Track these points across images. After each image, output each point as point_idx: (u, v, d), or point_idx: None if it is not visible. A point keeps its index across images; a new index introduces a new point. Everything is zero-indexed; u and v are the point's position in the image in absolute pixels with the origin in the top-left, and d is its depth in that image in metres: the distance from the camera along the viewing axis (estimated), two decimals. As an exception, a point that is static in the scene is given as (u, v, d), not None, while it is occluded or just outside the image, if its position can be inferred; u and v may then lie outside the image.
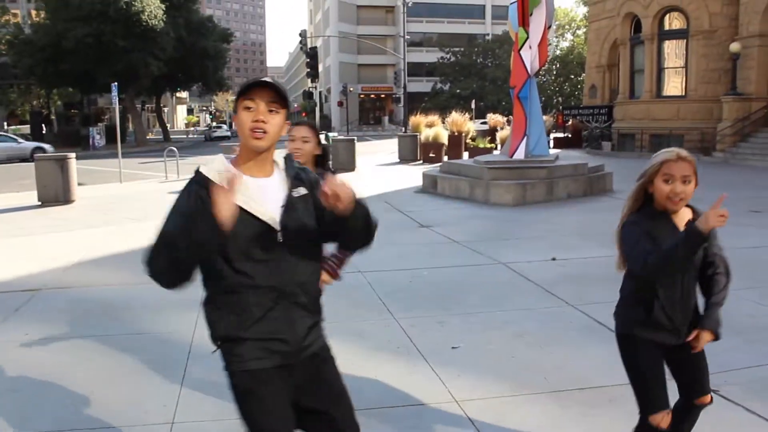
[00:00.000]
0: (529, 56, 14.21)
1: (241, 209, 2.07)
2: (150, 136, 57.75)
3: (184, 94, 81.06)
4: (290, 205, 2.18)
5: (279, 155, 2.31)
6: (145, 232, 9.89)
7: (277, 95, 2.15)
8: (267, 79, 2.16)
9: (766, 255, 8.15)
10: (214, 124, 72.59)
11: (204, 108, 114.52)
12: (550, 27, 16.05)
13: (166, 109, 63.19)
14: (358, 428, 2.34)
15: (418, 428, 3.71)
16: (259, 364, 2.13)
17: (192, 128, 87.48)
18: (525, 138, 14.26)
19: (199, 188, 2.11)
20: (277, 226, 2.14)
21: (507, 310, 5.90)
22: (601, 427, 3.72)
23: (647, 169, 2.77)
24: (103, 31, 37.69)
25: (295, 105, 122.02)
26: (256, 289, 2.11)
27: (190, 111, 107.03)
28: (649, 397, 2.83)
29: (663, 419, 2.79)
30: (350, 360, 4.29)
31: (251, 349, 2.13)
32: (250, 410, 2.16)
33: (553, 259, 7.77)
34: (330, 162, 3.37)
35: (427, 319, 5.57)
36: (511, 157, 14.22)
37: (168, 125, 63.09)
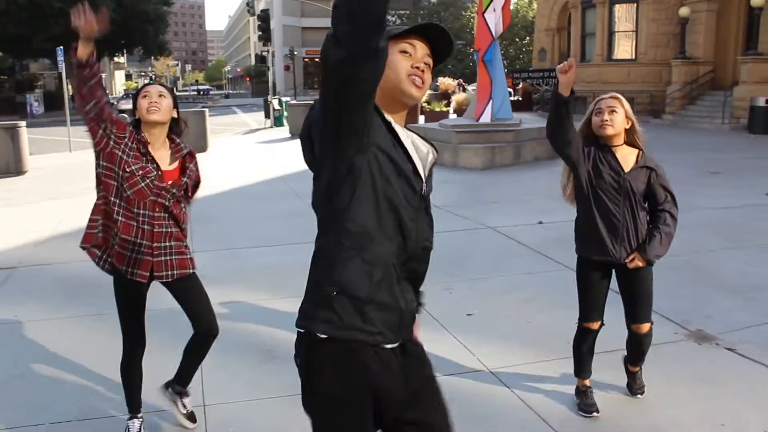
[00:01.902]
0: (494, 19, 14.09)
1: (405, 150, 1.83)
2: (89, 103, 55.60)
3: (122, 59, 78.27)
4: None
5: None
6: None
7: (433, 51, 1.88)
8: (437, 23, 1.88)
9: (737, 215, 8.37)
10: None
11: (142, 73, 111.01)
12: (512, -11, 15.96)
13: (104, 75, 60.81)
14: None
15: (455, 400, 3.66)
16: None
17: (131, 94, 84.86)
18: (490, 101, 14.24)
19: None
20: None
21: (509, 275, 5.90)
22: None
23: (588, 111, 3.43)
24: (38, -9, 35.92)
25: (238, 69, 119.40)
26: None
27: (128, 76, 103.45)
28: (583, 308, 3.48)
29: (590, 326, 3.46)
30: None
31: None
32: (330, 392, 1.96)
33: (540, 222, 7.81)
34: (183, 127, 3.18)
35: (434, 286, 5.51)
36: (477, 120, 14.18)
37: (107, 91, 60.82)
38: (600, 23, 27.04)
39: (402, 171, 1.78)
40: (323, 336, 1.77)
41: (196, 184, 3.27)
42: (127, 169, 2.95)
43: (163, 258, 3.06)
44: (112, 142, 2.92)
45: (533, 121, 19.82)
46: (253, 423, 3.49)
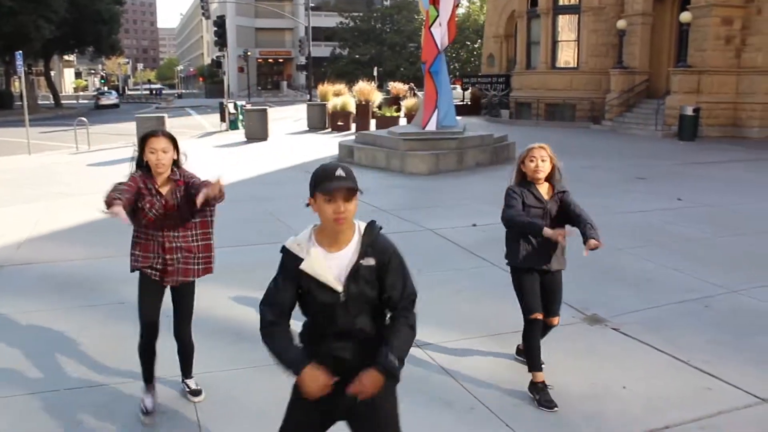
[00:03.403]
0: (440, 33, 15.09)
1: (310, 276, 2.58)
2: (38, 102, 54.97)
3: (71, 57, 77.30)
4: (354, 273, 2.59)
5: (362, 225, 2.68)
6: (83, 208, 10.31)
7: (351, 192, 2.52)
8: (341, 174, 2.51)
9: (652, 218, 9.50)
10: (106, 89, 67.73)
11: (92, 71, 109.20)
12: (458, 5, 17.02)
13: (53, 73, 60.10)
14: None
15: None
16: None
17: (81, 93, 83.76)
18: (436, 110, 15.23)
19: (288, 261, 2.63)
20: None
21: (443, 270, 6.85)
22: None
23: (521, 154, 4.33)
24: (-13, -10, 35.58)
25: (191, 69, 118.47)
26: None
27: (78, 74, 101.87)
28: (528, 303, 4.26)
29: (536, 316, 4.24)
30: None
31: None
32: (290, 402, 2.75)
33: (474, 225, 8.79)
34: (182, 160, 3.97)
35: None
36: (424, 128, 15.17)
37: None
38: (544, 32, 28.39)
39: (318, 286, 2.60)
40: None
41: (194, 188, 3.86)
42: (139, 205, 3.82)
43: (173, 266, 3.92)
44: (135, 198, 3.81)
45: (479, 127, 20.94)
46: (230, 388, 4.34)
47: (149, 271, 3.93)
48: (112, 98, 55.40)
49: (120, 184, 3.77)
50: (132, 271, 4.00)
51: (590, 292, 6.20)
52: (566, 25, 28.38)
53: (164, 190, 3.87)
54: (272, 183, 13.12)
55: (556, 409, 4.07)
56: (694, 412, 4.01)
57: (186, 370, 4.24)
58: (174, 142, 3.90)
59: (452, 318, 5.49)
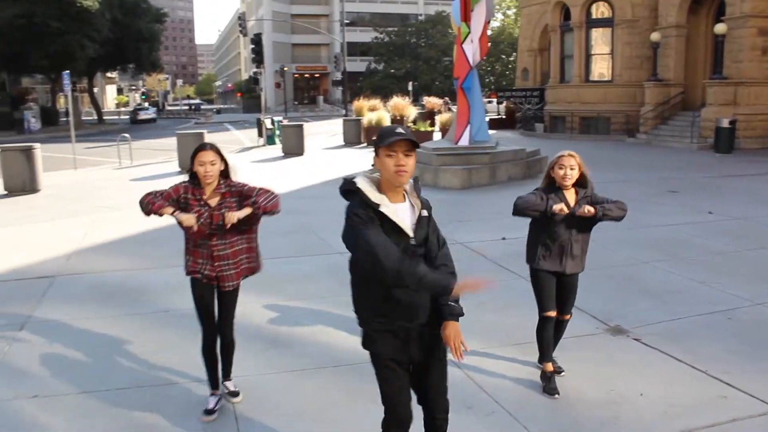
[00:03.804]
0: (471, 49, 15.35)
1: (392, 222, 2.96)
2: (82, 118, 56.63)
3: (113, 74, 79.33)
4: (420, 221, 3.03)
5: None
6: (127, 222, 10.81)
7: (411, 145, 2.89)
8: (401, 131, 2.88)
9: (678, 232, 9.59)
10: (145, 105, 69.92)
11: (134, 87, 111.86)
12: (489, 22, 17.27)
13: (96, 89, 61.80)
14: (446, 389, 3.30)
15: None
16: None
17: (122, 108, 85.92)
18: (468, 126, 15.47)
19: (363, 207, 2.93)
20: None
21: (471, 282, 7.07)
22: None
23: (551, 161, 4.58)
24: (35, 12, 36.83)
25: (229, 84, 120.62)
26: None
27: (119, 91, 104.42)
28: (542, 302, 4.65)
29: (549, 314, 4.62)
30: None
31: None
32: (375, 358, 3.19)
33: (503, 239, 9.00)
34: (231, 171, 4.34)
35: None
36: (457, 143, 15.42)
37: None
38: (578, 46, 28.45)
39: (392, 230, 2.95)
40: None
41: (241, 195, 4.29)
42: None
43: (226, 272, 4.26)
44: (181, 206, 4.17)
45: (513, 141, 21.10)
46: (266, 390, 4.63)
47: (199, 276, 4.27)
48: (149, 113, 57.72)
49: (157, 192, 4.16)
50: (187, 275, 4.34)
51: (614, 304, 6.37)
52: (600, 38, 28.40)
53: (212, 202, 4.20)
54: (308, 197, 13.48)
55: (557, 396, 4.52)
56: (709, 419, 4.17)
57: (226, 369, 4.53)
58: (221, 155, 4.25)
59: (476, 327, 5.71)
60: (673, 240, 9.05)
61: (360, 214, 2.90)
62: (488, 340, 5.48)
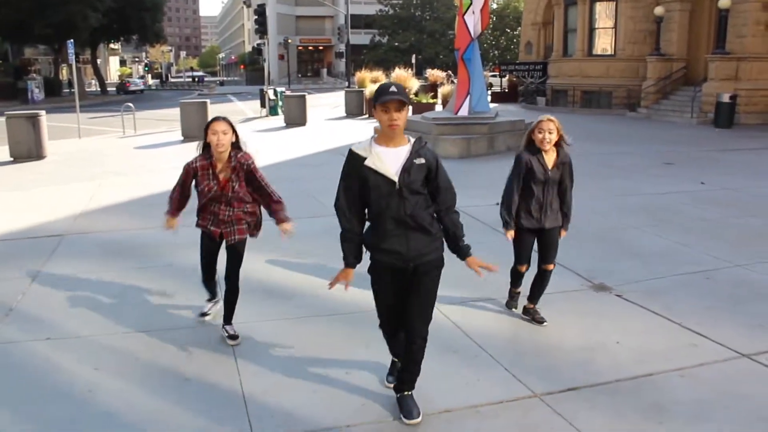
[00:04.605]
0: (473, 21, 15.43)
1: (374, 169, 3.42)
2: (86, 89, 56.70)
3: (116, 45, 79.13)
4: (408, 167, 3.45)
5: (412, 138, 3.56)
6: (133, 186, 11.12)
7: (401, 104, 3.34)
8: (394, 90, 3.32)
9: (669, 200, 9.82)
10: (135, 78, 71.65)
11: (137, 59, 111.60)
12: (491, -7, 17.30)
13: (98, 61, 61.72)
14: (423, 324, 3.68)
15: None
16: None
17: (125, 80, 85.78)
18: (468, 96, 15.63)
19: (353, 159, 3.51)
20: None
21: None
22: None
23: (532, 125, 4.92)
24: (38, -19, 36.83)
25: (232, 56, 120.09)
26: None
27: (122, 63, 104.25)
28: (518, 257, 5.21)
29: (521, 268, 5.24)
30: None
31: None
32: (374, 284, 3.74)
33: (497, 204, 9.23)
34: (242, 143, 4.72)
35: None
36: (456, 114, 15.59)
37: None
38: (581, 20, 28.40)
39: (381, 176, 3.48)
40: None
41: (256, 180, 4.72)
42: (198, 188, 4.63)
43: (228, 229, 4.68)
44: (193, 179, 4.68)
45: (513, 115, 21.22)
46: (261, 334, 4.93)
47: (207, 231, 4.75)
48: (138, 85, 60.84)
49: (172, 193, 4.81)
50: (197, 226, 4.83)
51: (599, 264, 6.64)
52: (603, 12, 28.34)
53: (221, 174, 4.58)
54: (310, 165, 13.71)
55: (513, 309, 5.42)
56: (679, 363, 4.46)
57: (228, 315, 4.85)
58: (232, 126, 4.60)
59: (464, 281, 5.97)
60: (662, 207, 9.29)
61: (345, 170, 3.56)
62: (476, 293, 5.76)
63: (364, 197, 3.52)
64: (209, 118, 4.71)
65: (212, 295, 5.24)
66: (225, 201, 4.61)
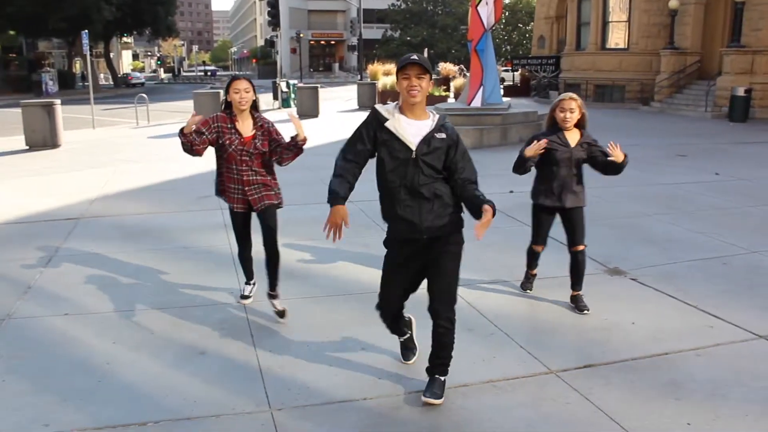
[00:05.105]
0: (486, 12, 15.39)
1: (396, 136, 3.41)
2: (99, 82, 57.03)
3: (129, 39, 79.42)
4: (428, 139, 3.44)
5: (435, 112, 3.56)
6: (147, 173, 11.19)
7: (423, 68, 3.34)
8: (415, 58, 3.33)
9: (681, 189, 9.78)
10: (137, 72, 72.03)
11: (149, 53, 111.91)
12: (505, -16, 17.24)
13: (111, 54, 62.04)
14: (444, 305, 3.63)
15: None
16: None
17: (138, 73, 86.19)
18: (481, 87, 15.60)
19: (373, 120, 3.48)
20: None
21: (477, 229, 7.34)
22: (552, 298, 5.23)
23: (554, 103, 4.87)
24: (54, -27, 37.00)
25: (245, 51, 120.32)
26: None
27: (135, 56, 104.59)
28: (535, 236, 5.20)
29: (536, 248, 5.24)
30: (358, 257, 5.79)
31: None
32: (385, 259, 3.71)
33: (511, 191, 9.24)
34: (259, 105, 4.76)
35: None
36: (469, 105, 15.55)
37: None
38: (595, 13, 28.25)
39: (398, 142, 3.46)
40: None
41: (275, 140, 4.69)
42: (220, 142, 4.57)
43: (255, 195, 4.67)
44: (216, 136, 4.58)
45: (526, 107, 21.16)
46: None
47: (236, 206, 4.72)
48: (139, 79, 61.55)
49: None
50: (216, 194, 4.88)
51: (615, 249, 6.63)
52: (617, 6, 28.17)
53: (243, 130, 4.59)
54: (323, 154, 13.60)
55: (528, 291, 5.43)
56: (694, 343, 4.44)
57: (272, 282, 4.86)
58: (253, 86, 4.64)
59: (479, 264, 6.00)
60: (677, 196, 9.25)
61: (360, 129, 3.52)
62: (491, 275, 5.77)
63: (370, 162, 3.51)
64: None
65: (249, 277, 5.19)
66: (248, 162, 4.59)
